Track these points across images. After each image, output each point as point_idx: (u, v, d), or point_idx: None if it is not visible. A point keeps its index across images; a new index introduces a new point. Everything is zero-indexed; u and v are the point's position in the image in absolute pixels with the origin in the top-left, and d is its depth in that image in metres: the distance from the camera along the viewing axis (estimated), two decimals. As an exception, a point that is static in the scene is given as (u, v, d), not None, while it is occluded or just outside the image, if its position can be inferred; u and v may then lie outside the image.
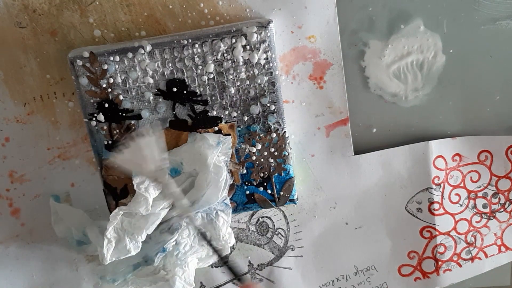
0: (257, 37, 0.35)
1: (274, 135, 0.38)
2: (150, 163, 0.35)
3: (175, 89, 0.36)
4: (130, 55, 0.35)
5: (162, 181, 0.35)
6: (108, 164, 0.38)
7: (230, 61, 0.36)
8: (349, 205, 0.44)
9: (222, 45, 0.35)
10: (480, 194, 0.45)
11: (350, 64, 0.40)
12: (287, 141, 0.38)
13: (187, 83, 0.36)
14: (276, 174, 0.39)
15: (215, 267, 0.44)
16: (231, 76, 0.36)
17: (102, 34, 0.37)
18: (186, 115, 0.37)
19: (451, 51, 0.41)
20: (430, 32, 0.40)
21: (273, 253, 0.45)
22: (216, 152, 0.36)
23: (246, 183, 0.39)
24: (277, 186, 0.39)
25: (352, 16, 0.39)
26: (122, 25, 0.37)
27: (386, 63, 0.40)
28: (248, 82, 0.37)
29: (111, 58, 0.35)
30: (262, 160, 0.39)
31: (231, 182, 0.39)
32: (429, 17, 0.39)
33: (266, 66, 0.36)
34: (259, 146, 0.38)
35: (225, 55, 0.36)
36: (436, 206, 0.44)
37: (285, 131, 0.38)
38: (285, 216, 0.44)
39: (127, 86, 0.36)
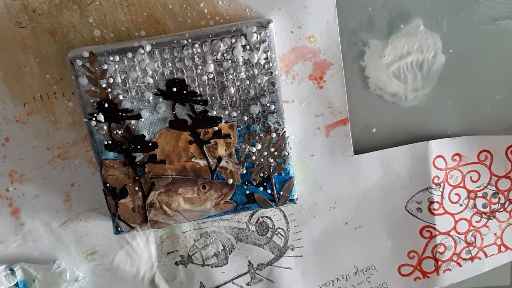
0: (257, 37, 0.35)
1: (274, 135, 0.38)
2: None
3: (175, 89, 0.36)
4: (130, 55, 0.35)
5: None
6: (108, 164, 0.38)
7: (230, 61, 0.36)
8: (349, 205, 0.44)
9: (222, 45, 0.35)
10: (480, 194, 0.45)
11: (350, 64, 0.40)
12: (287, 141, 0.38)
13: (187, 83, 0.36)
14: (276, 174, 0.39)
15: (215, 267, 0.44)
16: (231, 76, 0.36)
17: (102, 34, 0.37)
18: (186, 115, 0.37)
19: (451, 51, 0.41)
20: (430, 32, 0.40)
21: (273, 253, 0.45)
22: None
23: (246, 183, 0.39)
24: (277, 186, 0.39)
25: (352, 16, 0.39)
26: (122, 25, 0.37)
27: (386, 63, 0.40)
28: (248, 82, 0.37)
29: (111, 58, 0.35)
30: (262, 160, 0.39)
31: (231, 182, 0.39)
32: (429, 17, 0.39)
33: (266, 66, 0.36)
34: (259, 146, 0.38)
35: (225, 55, 0.36)
36: (436, 206, 0.44)
37: (285, 131, 0.38)
38: (285, 216, 0.44)
39: (127, 86, 0.36)
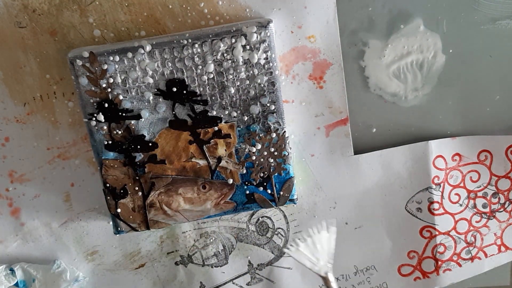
0: (257, 37, 0.35)
1: (274, 135, 0.38)
2: (321, 257, 0.39)
3: (175, 89, 0.36)
4: (130, 55, 0.35)
5: (326, 277, 0.39)
6: (108, 164, 0.38)
7: (230, 61, 0.36)
8: (349, 205, 0.44)
9: (222, 45, 0.35)
10: (480, 194, 0.45)
11: (350, 64, 0.40)
12: (287, 141, 0.38)
13: (187, 83, 0.36)
14: (276, 174, 0.39)
15: (215, 267, 0.44)
16: (231, 76, 0.36)
17: (102, 34, 0.37)
18: (186, 115, 0.37)
19: (451, 51, 0.41)
20: (430, 32, 0.40)
21: (273, 253, 0.45)
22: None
23: (246, 183, 0.39)
24: (277, 186, 0.39)
25: (352, 16, 0.39)
26: (122, 25, 0.37)
27: (386, 63, 0.40)
28: (248, 82, 0.37)
29: (111, 58, 0.35)
30: (262, 160, 0.39)
31: (231, 182, 0.39)
32: (429, 17, 0.39)
33: (266, 66, 0.36)
34: (259, 146, 0.38)
35: (225, 55, 0.36)
36: (436, 206, 0.44)
37: (285, 131, 0.38)
38: (285, 216, 0.44)
39: (127, 86, 0.36)
